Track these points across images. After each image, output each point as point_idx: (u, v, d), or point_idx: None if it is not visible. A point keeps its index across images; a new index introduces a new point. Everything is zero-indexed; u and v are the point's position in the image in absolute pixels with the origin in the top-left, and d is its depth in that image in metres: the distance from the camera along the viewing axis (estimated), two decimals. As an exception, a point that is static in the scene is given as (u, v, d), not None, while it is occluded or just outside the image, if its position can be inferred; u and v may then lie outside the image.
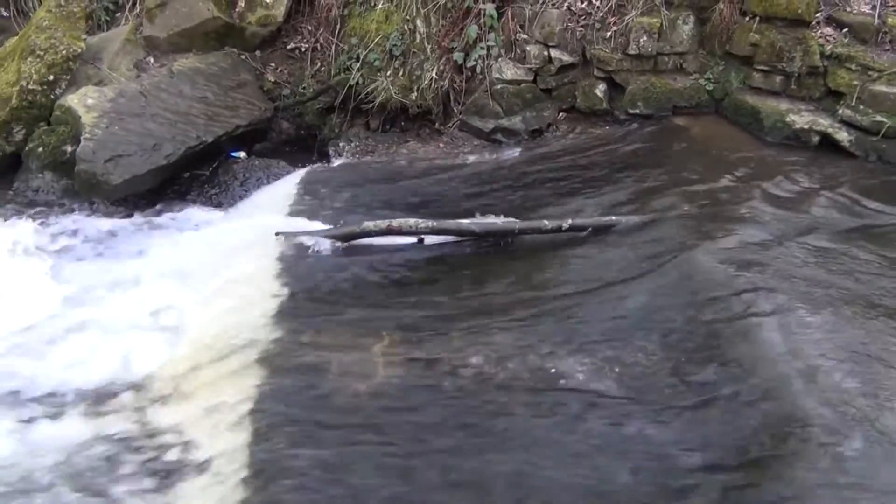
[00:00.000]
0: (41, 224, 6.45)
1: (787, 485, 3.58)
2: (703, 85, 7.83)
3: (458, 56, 7.83)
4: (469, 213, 6.26)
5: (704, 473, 3.76)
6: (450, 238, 5.90)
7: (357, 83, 7.99)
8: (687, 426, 4.05)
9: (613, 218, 5.95)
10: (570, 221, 5.85)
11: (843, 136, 7.11)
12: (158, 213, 6.77)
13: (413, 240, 5.86)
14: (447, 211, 6.43)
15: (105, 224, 6.55)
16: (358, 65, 7.98)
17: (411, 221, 5.79)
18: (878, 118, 6.94)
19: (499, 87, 7.86)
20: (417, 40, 7.87)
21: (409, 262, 5.71)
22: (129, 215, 6.74)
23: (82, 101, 6.84)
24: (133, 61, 7.67)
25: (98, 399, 4.58)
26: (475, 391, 4.40)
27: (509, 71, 7.85)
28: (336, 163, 7.86)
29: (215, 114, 7.36)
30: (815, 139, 7.22)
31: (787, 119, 7.29)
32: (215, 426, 4.24)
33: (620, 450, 3.97)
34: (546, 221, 5.90)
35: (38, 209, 6.71)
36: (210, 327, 5.07)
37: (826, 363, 4.23)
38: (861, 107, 7.06)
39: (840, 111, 7.19)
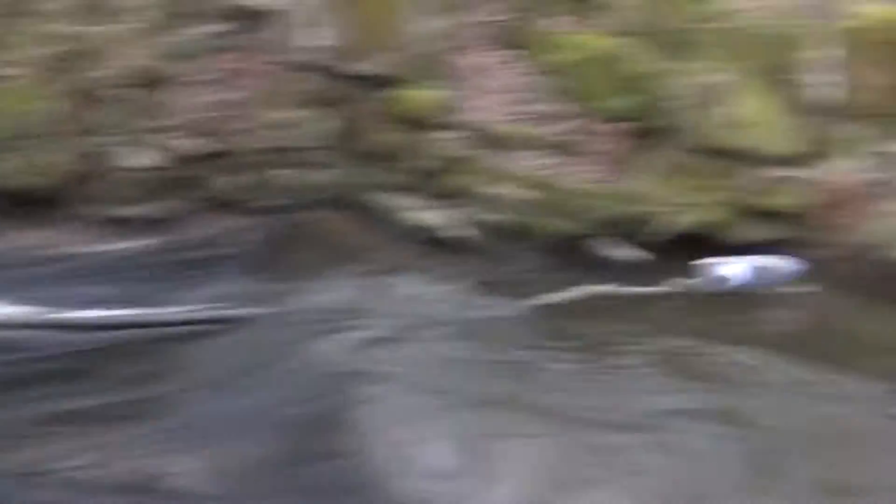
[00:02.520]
0: None
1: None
2: (337, 181, 7.97)
3: (88, 140, 7.51)
4: (87, 304, 5.97)
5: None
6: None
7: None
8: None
9: (236, 311, 5.95)
10: (190, 313, 5.78)
11: (466, 232, 7.53)
12: None
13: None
14: (65, 302, 6.06)
15: None
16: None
17: (20, 313, 5.48)
18: (498, 217, 7.45)
19: (132, 173, 7.59)
20: (44, 121, 7.43)
21: (10, 361, 5.31)
22: None
23: None
24: None
25: None
26: (74, 497, 4.16)
27: (143, 157, 7.60)
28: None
29: None
30: (442, 235, 7.57)
31: (416, 216, 7.63)
32: None
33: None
34: (165, 312, 5.81)
35: None
36: None
37: (428, 455, 4.38)
38: (484, 206, 7.54)
39: (464, 210, 7.60)
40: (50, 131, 7.51)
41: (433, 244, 7.57)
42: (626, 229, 7.38)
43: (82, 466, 4.32)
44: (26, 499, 4.11)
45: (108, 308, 5.98)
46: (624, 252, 7.41)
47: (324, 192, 7.98)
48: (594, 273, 7.01)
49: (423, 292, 6.57)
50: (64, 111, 7.53)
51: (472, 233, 7.55)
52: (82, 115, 7.58)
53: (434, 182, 7.82)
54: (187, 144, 7.72)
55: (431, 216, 7.67)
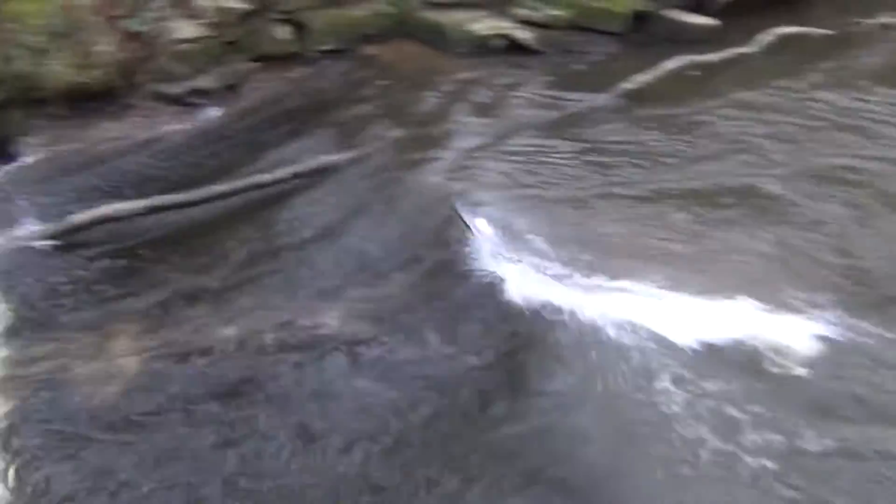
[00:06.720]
0: None
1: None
2: (386, 10, 7.56)
3: (130, 23, 6.62)
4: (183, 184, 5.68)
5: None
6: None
7: (27, 71, 6.36)
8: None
9: (331, 157, 5.70)
10: (289, 170, 5.60)
11: (524, 35, 7.01)
12: None
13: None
14: (157, 185, 5.77)
15: None
16: (24, 51, 6.35)
17: (125, 205, 5.28)
18: (552, 12, 6.95)
19: (180, 47, 6.80)
20: (82, 14, 6.43)
21: (126, 249, 5.09)
22: None
23: None
24: None
25: None
26: (230, 364, 4.12)
27: (187, 29, 6.83)
28: (26, 160, 6.36)
29: None
30: (501, 43, 7.06)
31: (469, 28, 7.10)
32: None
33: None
34: (265, 175, 5.60)
35: None
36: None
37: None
38: (532, 3, 7.05)
39: (515, 12, 7.11)
40: (86, 24, 6.48)
41: (495, 53, 7.08)
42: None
43: (232, 336, 4.25)
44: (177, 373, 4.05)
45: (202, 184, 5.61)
46: (694, 20, 7.19)
47: (376, 24, 7.54)
48: (669, 48, 6.93)
49: (499, 101, 6.39)
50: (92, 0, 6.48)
51: (531, 34, 7.02)
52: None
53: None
54: (226, 5, 7.01)
55: (487, 25, 7.14)
